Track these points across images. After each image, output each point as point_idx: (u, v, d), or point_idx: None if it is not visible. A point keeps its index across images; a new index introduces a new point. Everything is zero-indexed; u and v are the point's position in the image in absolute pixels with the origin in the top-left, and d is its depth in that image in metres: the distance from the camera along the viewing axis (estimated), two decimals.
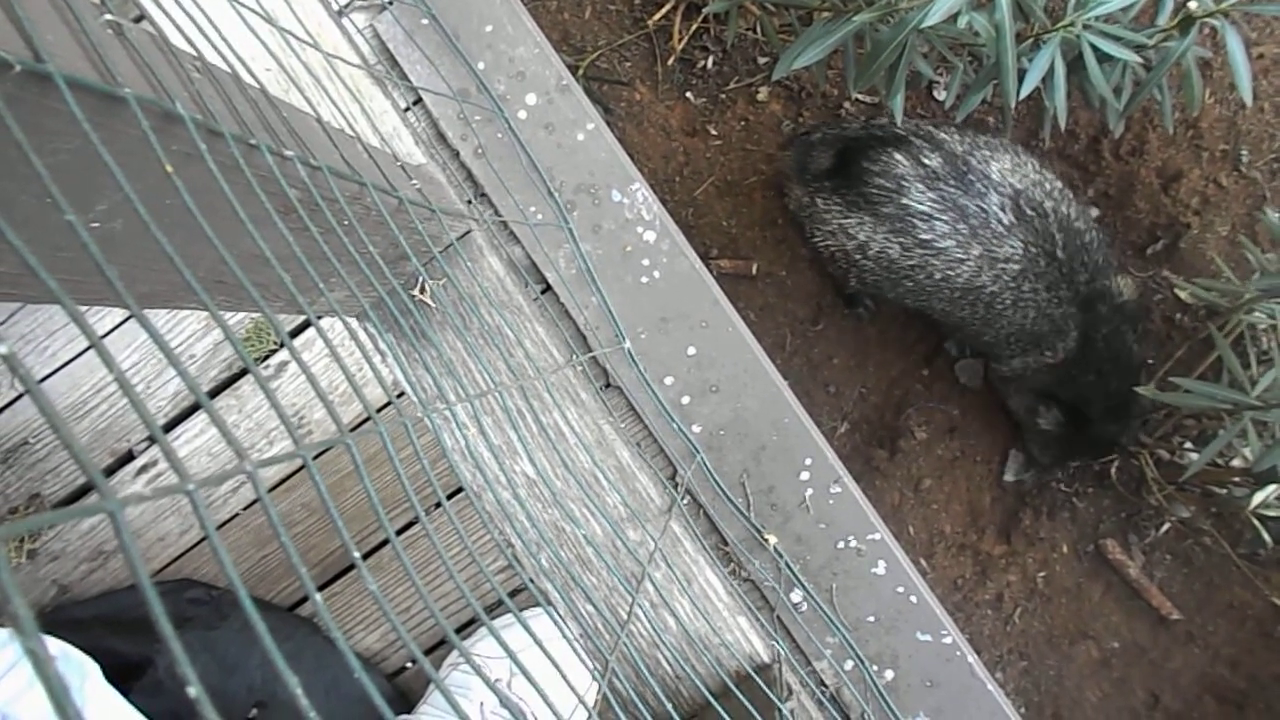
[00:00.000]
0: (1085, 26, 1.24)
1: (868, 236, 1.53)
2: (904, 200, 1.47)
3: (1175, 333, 1.81)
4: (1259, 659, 1.78)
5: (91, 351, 1.30)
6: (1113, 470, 1.82)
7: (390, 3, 0.94)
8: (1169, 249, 1.81)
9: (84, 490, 1.33)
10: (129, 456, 1.33)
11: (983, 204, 1.46)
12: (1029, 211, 1.47)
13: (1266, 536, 1.49)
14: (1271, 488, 1.39)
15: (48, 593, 1.32)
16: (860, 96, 1.87)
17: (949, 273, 1.49)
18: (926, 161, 1.48)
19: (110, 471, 1.32)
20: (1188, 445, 1.76)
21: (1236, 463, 1.65)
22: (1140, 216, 1.82)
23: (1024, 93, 1.23)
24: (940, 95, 1.84)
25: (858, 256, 1.57)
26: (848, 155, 1.58)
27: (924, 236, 1.48)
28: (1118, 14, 1.26)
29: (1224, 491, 1.64)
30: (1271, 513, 1.45)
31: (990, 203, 1.46)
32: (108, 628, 1.22)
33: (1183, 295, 1.76)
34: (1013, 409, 1.80)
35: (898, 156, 1.49)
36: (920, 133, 1.52)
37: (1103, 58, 1.27)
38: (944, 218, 1.46)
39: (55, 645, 0.98)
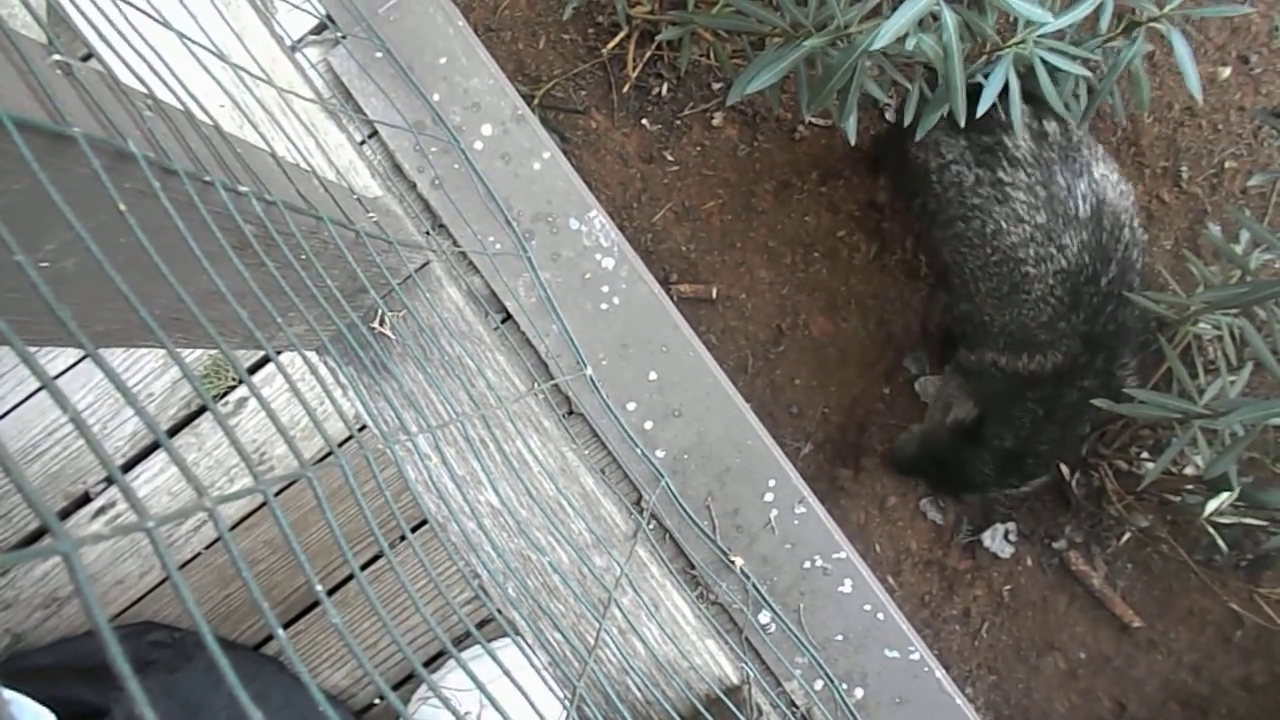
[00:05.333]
0: (1035, 42, 1.27)
1: (954, 158, 1.53)
2: (1005, 139, 1.47)
3: None
4: (1220, 664, 1.81)
5: (43, 393, 1.28)
6: (1073, 483, 1.84)
7: (344, 37, 0.94)
8: None
9: (37, 535, 1.30)
10: (85, 499, 1.31)
11: (1071, 183, 1.45)
12: (1105, 223, 1.46)
13: (1221, 543, 1.52)
14: (1224, 495, 1.42)
15: (0, 641, 1.28)
16: (814, 120, 1.90)
17: (1003, 226, 1.49)
18: (1046, 123, 1.48)
19: (65, 514, 1.29)
20: (1144, 455, 1.79)
21: (1189, 470, 1.68)
22: None
23: (981, 110, 1.26)
24: (890, 118, 1.87)
25: (934, 178, 1.57)
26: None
27: (1003, 177, 1.47)
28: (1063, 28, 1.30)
29: (1179, 499, 1.67)
30: (1226, 520, 1.47)
31: (1078, 187, 1.45)
32: (71, 674, 1.20)
33: None
34: (935, 391, 1.79)
35: (1024, 106, 1.46)
36: (1052, 108, 1.51)
37: (1054, 70, 1.31)
38: (1030, 171, 1.46)
39: (10, 695, 0.95)
